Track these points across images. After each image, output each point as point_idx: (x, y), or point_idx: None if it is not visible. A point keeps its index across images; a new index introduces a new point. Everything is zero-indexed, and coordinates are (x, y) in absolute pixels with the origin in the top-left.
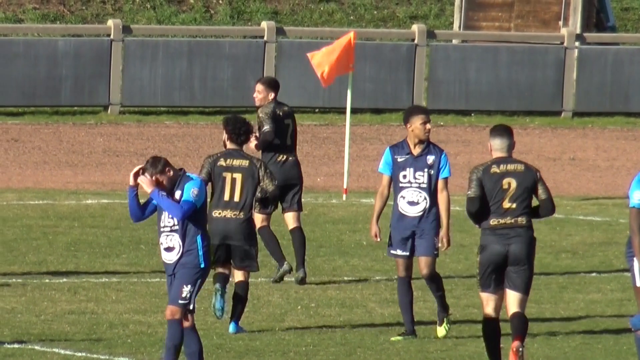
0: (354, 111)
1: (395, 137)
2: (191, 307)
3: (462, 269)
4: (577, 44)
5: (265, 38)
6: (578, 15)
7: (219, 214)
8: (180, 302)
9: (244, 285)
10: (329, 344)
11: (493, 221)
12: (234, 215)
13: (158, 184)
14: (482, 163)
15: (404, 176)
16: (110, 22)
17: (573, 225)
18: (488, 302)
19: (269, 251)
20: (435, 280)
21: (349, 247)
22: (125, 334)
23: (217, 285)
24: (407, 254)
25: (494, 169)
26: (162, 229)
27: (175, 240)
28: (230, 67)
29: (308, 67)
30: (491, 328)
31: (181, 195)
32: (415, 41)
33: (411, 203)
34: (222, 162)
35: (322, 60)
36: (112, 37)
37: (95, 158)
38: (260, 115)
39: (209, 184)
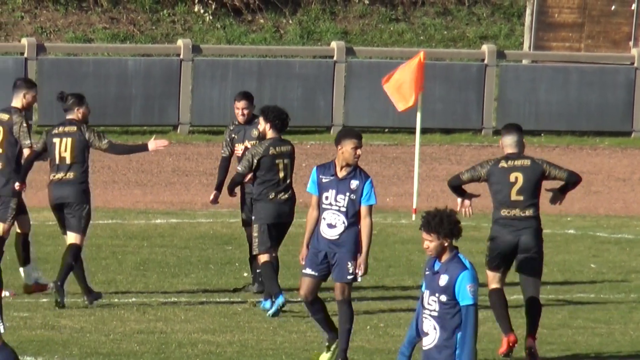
0: (423, 131)
1: (465, 157)
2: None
3: None
4: None
5: (335, 58)
6: None
7: (274, 196)
8: None
9: (277, 261)
10: None
11: (503, 211)
12: (287, 195)
13: None
14: (493, 158)
15: (326, 197)
16: (180, 42)
17: None
18: (494, 279)
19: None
20: (347, 308)
21: (418, 267)
22: (194, 353)
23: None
24: (315, 274)
25: (503, 163)
26: None
27: None
28: (300, 87)
29: (378, 87)
30: (497, 296)
31: None
32: (485, 61)
33: (330, 225)
34: (272, 151)
35: (400, 89)
36: (181, 56)
37: (165, 177)
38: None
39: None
